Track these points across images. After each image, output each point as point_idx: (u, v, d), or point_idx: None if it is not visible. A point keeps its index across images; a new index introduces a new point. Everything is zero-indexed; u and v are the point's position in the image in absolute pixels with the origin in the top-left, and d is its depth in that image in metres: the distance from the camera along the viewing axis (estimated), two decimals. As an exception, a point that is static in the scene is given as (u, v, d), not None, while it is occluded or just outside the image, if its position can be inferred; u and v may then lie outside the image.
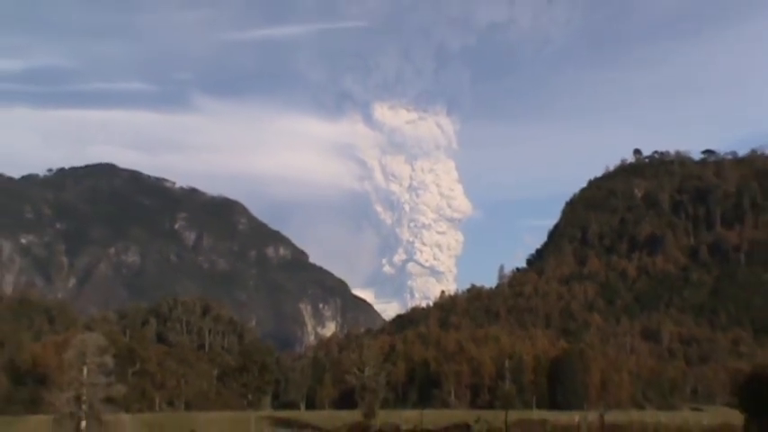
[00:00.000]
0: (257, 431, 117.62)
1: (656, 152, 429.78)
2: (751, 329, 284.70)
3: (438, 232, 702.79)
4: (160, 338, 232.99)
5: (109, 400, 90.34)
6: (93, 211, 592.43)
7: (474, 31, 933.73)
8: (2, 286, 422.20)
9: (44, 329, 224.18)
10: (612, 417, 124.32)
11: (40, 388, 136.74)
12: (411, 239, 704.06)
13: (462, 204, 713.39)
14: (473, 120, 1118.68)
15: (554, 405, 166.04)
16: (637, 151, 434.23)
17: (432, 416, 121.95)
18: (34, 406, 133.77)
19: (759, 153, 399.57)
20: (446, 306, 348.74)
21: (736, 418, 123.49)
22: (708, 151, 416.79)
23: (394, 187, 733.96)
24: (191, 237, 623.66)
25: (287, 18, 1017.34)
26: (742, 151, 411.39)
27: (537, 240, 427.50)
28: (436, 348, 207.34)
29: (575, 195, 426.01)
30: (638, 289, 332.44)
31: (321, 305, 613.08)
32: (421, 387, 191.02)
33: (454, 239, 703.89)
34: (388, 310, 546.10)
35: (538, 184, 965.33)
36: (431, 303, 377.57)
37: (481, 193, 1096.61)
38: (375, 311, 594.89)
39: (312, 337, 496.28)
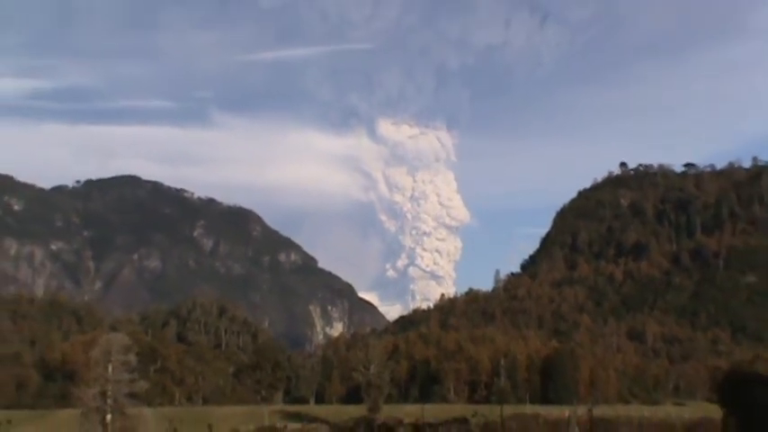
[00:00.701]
0: (270, 424, 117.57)
1: (640, 165, 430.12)
2: (729, 330, 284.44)
3: (438, 239, 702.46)
4: (180, 338, 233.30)
5: (132, 396, 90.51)
6: (118, 220, 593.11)
7: (471, 52, 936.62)
8: (33, 289, 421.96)
9: (72, 329, 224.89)
10: (600, 411, 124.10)
11: (69, 384, 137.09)
12: (413, 246, 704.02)
13: (461, 213, 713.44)
14: (471, 134, 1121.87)
15: (546, 400, 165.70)
16: (623, 164, 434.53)
17: (432, 410, 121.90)
18: (63, 401, 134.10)
19: (736, 166, 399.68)
20: (446, 308, 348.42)
21: (716, 412, 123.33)
22: (688, 164, 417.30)
23: (397, 197, 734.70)
24: (208, 243, 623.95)
25: (297, 41, 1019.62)
26: (720, 164, 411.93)
27: (530, 247, 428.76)
28: (436, 348, 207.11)
29: (565, 205, 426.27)
30: (624, 292, 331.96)
31: (329, 307, 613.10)
32: (422, 384, 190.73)
33: (453, 246, 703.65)
34: (392, 311, 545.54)
35: (531, 195, 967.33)
36: (431, 306, 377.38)
37: (478, 203, 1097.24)
38: (380, 313, 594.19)
39: (321, 337, 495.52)
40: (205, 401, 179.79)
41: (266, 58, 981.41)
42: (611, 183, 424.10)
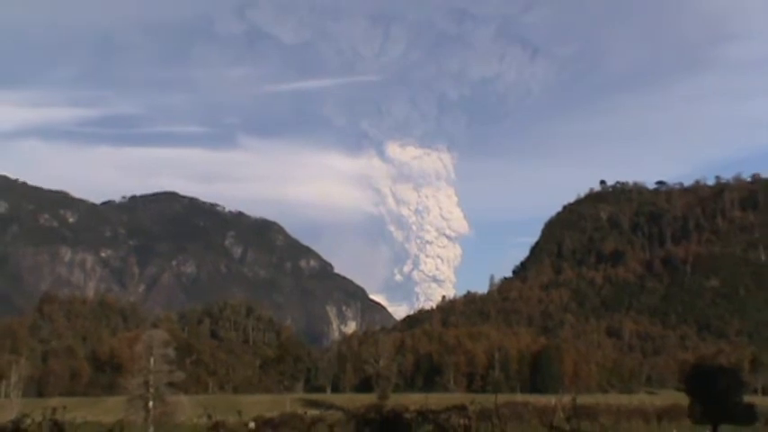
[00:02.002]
0: (292, 411, 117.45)
1: (617, 183, 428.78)
2: (695, 327, 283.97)
3: (440, 247, 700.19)
4: (212, 334, 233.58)
5: (171, 385, 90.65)
6: (159, 231, 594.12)
7: (469, 83, 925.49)
8: (85, 291, 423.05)
9: (119, 327, 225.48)
10: (582, 399, 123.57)
11: (116, 374, 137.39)
12: (417, 253, 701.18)
13: (460, 225, 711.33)
14: (469, 155, 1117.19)
15: (535, 390, 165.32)
16: (602, 182, 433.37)
17: (435, 399, 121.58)
18: (111, 389, 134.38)
19: (701, 183, 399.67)
20: (446, 308, 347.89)
21: (683, 399, 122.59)
22: (660, 182, 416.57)
23: (403, 210, 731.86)
24: (238, 251, 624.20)
25: (315, 74, 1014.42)
26: (687, 182, 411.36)
27: (521, 254, 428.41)
28: (438, 343, 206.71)
29: (552, 218, 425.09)
30: (603, 294, 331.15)
31: (344, 307, 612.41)
32: (426, 375, 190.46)
33: (453, 253, 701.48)
34: (399, 311, 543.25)
35: (522, 208, 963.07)
36: (434, 306, 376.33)
37: (476, 215, 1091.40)
38: (388, 312, 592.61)
39: (336, 334, 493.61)
40: (235, 390, 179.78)
41: (288, 89, 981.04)
42: (592, 198, 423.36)
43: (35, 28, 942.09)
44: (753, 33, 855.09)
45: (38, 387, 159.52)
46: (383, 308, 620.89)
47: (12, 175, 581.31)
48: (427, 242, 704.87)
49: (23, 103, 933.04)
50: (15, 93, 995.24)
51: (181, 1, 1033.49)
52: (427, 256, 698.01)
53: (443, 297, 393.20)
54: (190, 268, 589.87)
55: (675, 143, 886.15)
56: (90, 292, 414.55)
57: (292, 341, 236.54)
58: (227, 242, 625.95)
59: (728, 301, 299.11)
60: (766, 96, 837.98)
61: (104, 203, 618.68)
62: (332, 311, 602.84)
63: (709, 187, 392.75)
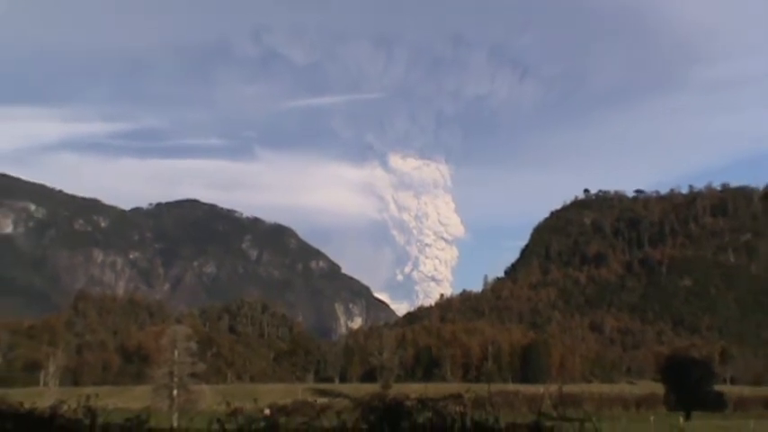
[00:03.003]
0: (303, 399, 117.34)
1: (600, 191, 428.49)
2: (670, 323, 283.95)
3: (438, 249, 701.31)
4: (231, 329, 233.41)
5: (193, 375, 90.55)
6: (182, 235, 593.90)
7: (464, 100, 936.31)
8: (115, 290, 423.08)
9: (146, 322, 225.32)
10: (568, 389, 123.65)
11: (144, 365, 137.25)
12: (417, 255, 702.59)
13: (456, 229, 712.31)
14: (464, 166, 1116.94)
15: (525, 380, 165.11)
16: (586, 190, 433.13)
17: (433, 388, 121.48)
18: (139, 379, 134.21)
19: (676, 192, 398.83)
20: (444, 306, 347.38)
21: (659, 389, 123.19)
22: (638, 191, 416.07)
23: (405, 216, 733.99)
24: (254, 253, 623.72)
25: (324, 91, 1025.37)
26: (663, 191, 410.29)
27: (512, 256, 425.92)
28: (437, 337, 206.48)
29: (540, 223, 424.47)
30: (587, 293, 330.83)
31: (350, 305, 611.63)
32: (425, 366, 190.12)
33: (450, 255, 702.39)
34: (401, 308, 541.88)
35: (513, 214, 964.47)
36: (433, 304, 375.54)
37: (471, 221, 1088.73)
38: (391, 309, 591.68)
39: (344, 329, 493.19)
40: (251, 380, 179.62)
41: (299, 106, 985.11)
42: (577, 205, 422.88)
43: (72, 51, 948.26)
44: (721, 56, 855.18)
45: (73, 376, 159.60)
46: (386, 305, 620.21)
47: (50, 184, 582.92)
48: (426, 245, 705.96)
49: (61, 118, 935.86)
50: (54, 109, 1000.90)
51: (202, 26, 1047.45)
52: (426, 257, 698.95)
53: (441, 295, 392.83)
54: (210, 269, 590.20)
55: (652, 155, 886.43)
56: (120, 291, 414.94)
57: (303, 336, 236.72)
58: (244, 245, 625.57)
59: (700, 300, 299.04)
60: (734, 113, 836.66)
61: (132, 210, 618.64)
62: (339, 309, 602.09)
63: (683, 195, 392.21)
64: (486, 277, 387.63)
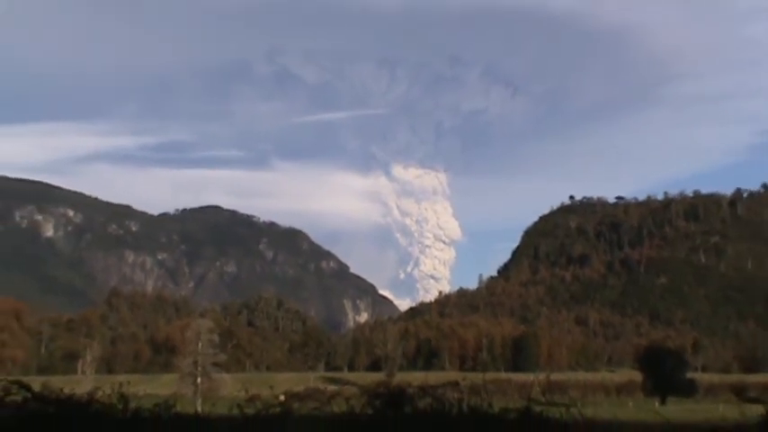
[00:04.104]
0: (314, 386, 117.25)
1: (584, 197, 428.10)
2: (648, 317, 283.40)
3: (437, 250, 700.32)
4: (249, 323, 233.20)
5: (215, 365, 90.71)
6: (205, 238, 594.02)
7: (461, 115, 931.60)
8: (145, 288, 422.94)
9: (173, 317, 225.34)
10: (555, 377, 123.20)
11: (171, 356, 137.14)
12: (418, 255, 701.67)
13: (454, 232, 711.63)
14: (461, 174, 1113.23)
15: (516, 369, 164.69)
16: (571, 197, 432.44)
17: (433, 376, 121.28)
18: (166, 368, 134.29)
19: (652, 198, 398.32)
20: (443, 302, 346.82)
21: (637, 377, 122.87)
22: (619, 197, 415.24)
23: (407, 221, 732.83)
24: (270, 254, 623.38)
25: (333, 107, 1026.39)
26: (641, 197, 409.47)
27: (504, 257, 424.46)
28: (436, 331, 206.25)
29: (530, 226, 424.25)
30: (572, 290, 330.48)
31: (358, 301, 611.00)
32: (425, 357, 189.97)
33: (448, 256, 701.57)
34: (403, 304, 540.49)
35: (505, 219, 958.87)
36: (432, 300, 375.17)
37: (467, 224, 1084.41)
38: (394, 305, 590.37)
39: (352, 323, 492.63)
40: (268, 369, 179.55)
41: (311, 120, 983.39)
42: (563, 210, 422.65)
43: (106, 72, 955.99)
44: (692, 76, 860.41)
45: (107, 366, 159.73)
46: (390, 301, 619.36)
47: (86, 192, 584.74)
48: (427, 246, 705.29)
49: (96, 133, 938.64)
50: (90, 125, 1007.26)
51: (223, 48, 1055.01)
52: (426, 258, 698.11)
53: (440, 292, 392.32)
54: (231, 268, 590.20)
55: (631, 164, 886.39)
56: (149, 289, 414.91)
57: (315, 329, 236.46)
58: (261, 247, 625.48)
59: (674, 296, 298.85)
60: (705, 126, 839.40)
61: (160, 215, 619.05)
62: (348, 304, 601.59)
63: (659, 201, 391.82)
64: (480, 276, 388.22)
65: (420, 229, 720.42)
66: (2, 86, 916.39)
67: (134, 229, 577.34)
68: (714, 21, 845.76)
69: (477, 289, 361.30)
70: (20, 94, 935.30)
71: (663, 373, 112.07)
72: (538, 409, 9.71)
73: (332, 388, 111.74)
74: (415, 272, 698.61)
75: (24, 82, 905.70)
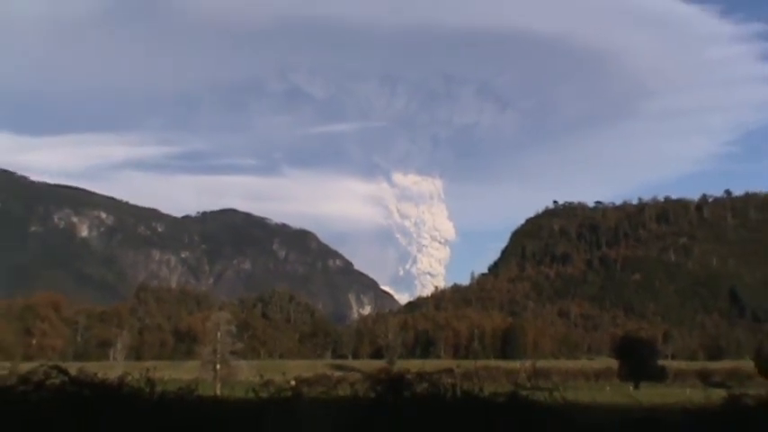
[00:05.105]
0: (322, 372, 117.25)
1: (566, 202, 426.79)
2: (623, 310, 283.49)
3: (433, 249, 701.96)
4: (263, 315, 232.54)
5: (233, 353, 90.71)
6: (224, 238, 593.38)
7: (455, 127, 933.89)
8: (170, 283, 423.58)
9: (195, 309, 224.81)
10: (540, 364, 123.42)
11: (193, 344, 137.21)
12: (416, 254, 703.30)
13: (449, 233, 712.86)
14: (455, 181, 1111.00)
15: (504, 357, 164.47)
16: (555, 201, 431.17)
17: (429, 364, 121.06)
18: (189, 356, 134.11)
19: (628, 203, 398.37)
20: (438, 296, 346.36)
21: (614, 364, 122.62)
22: (598, 202, 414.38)
23: (406, 222, 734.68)
24: (282, 253, 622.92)
25: (339, 120, 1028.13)
26: (618, 201, 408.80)
27: (494, 255, 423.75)
28: (432, 322, 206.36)
29: (517, 228, 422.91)
30: (556, 286, 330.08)
31: (361, 296, 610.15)
32: (423, 346, 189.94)
33: (443, 254, 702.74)
34: (403, 299, 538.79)
35: (495, 221, 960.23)
36: (429, 295, 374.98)
37: (460, 226, 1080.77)
38: (395, 299, 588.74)
39: (356, 315, 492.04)
40: (280, 357, 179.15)
41: (319, 132, 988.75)
42: (548, 213, 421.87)
43: (134, 89, 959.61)
44: (664, 93, 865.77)
45: (136, 353, 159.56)
46: (391, 296, 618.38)
47: (117, 196, 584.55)
48: (424, 246, 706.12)
49: (126, 143, 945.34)
50: (121, 136, 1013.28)
51: (239, 67, 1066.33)
52: (424, 256, 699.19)
53: (436, 288, 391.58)
54: (246, 266, 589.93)
55: (609, 172, 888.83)
56: (173, 284, 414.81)
57: (323, 321, 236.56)
58: (274, 246, 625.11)
59: (647, 291, 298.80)
60: (675, 138, 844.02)
61: (184, 217, 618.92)
62: (352, 299, 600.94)
63: (634, 206, 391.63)
64: (472, 273, 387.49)
65: (418, 230, 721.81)
66: (46, 102, 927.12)
67: (160, 229, 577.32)
68: (681, 45, 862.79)
69: (470, 285, 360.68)
70: (61, 109, 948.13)
71: (636, 360, 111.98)
72: (524, 393, 9.75)
73: (338, 374, 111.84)
74: (414, 269, 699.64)
75: (65, 98, 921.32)
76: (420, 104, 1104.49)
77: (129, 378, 9.64)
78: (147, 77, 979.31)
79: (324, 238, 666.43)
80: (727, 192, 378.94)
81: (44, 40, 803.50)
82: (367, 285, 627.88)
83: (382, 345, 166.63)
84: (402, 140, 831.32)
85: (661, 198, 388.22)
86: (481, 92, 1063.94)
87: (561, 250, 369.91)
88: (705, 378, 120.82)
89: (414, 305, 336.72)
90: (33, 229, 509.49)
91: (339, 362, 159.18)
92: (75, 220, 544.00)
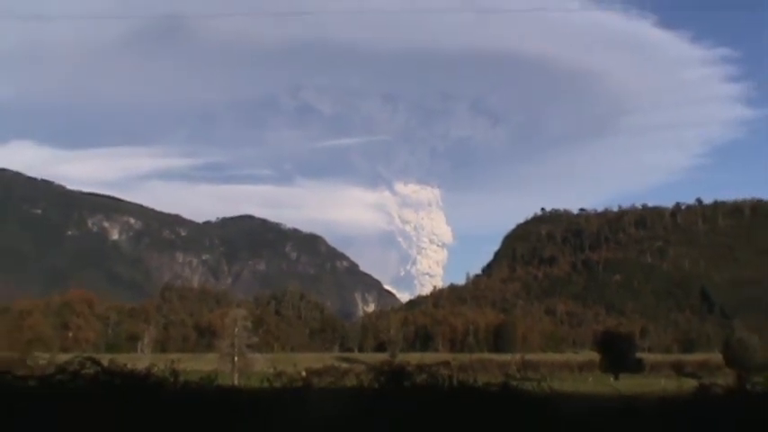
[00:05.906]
0: (330, 364, 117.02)
1: (553, 209, 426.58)
2: (605, 308, 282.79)
3: (432, 252, 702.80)
4: (277, 312, 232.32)
5: (249, 346, 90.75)
6: (241, 242, 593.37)
7: (451, 140, 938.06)
8: (192, 283, 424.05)
9: (214, 307, 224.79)
10: (529, 357, 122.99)
11: (213, 338, 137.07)
12: (416, 256, 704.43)
13: (446, 237, 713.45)
14: (452, 190, 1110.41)
15: (496, 350, 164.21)
16: (542, 208, 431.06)
17: (428, 357, 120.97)
18: (209, 349, 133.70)
19: (609, 210, 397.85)
20: (436, 295, 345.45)
21: (596, 357, 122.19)
22: (582, 209, 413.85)
23: (407, 227, 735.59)
24: (294, 255, 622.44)
25: (345, 134, 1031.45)
26: (599, 208, 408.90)
27: (488, 258, 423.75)
28: (431, 319, 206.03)
29: (509, 232, 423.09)
30: (543, 286, 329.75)
31: (366, 294, 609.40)
32: (422, 340, 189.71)
33: (441, 256, 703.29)
34: (404, 297, 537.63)
35: (488, 226, 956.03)
36: (428, 293, 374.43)
37: (457, 231, 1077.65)
38: (397, 298, 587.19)
39: (361, 312, 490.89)
40: (292, 350, 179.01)
41: (327, 145, 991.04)
42: (536, 219, 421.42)
43: (159, 104, 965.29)
44: (643, 110, 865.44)
45: (161, 346, 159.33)
46: (393, 295, 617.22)
47: (145, 204, 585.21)
48: (423, 249, 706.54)
49: (153, 155, 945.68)
50: (147, 148, 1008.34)
51: (255, 86, 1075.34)
52: (423, 258, 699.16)
53: (434, 287, 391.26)
54: (262, 267, 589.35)
55: (592, 182, 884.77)
56: (195, 284, 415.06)
57: (331, 317, 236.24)
58: (287, 249, 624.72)
59: (626, 290, 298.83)
60: (652, 152, 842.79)
61: (204, 223, 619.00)
62: (358, 297, 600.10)
63: (614, 212, 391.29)
64: (468, 273, 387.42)
65: (418, 234, 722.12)
66: (81, 118, 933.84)
67: (183, 234, 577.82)
68: (657, 68, 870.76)
69: (465, 284, 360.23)
70: (94, 125, 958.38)
71: (616, 353, 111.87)
72: (514, 383, 9.77)
73: (345, 366, 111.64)
74: (414, 270, 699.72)
75: (99, 114, 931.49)
76: (419, 120, 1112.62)
77: (156, 369, 9.71)
78: (172, 95, 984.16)
79: (332, 241, 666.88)
80: (699, 200, 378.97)
81: (80, 63, 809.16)
82: (371, 285, 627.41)
83: (385, 339, 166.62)
84: (403, 153, 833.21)
85: (639, 205, 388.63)
86: (475, 108, 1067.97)
87: (548, 253, 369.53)
88: (678, 369, 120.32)
89: (414, 303, 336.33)
90: (69, 233, 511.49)
91: (346, 355, 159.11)
92: (106, 225, 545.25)
